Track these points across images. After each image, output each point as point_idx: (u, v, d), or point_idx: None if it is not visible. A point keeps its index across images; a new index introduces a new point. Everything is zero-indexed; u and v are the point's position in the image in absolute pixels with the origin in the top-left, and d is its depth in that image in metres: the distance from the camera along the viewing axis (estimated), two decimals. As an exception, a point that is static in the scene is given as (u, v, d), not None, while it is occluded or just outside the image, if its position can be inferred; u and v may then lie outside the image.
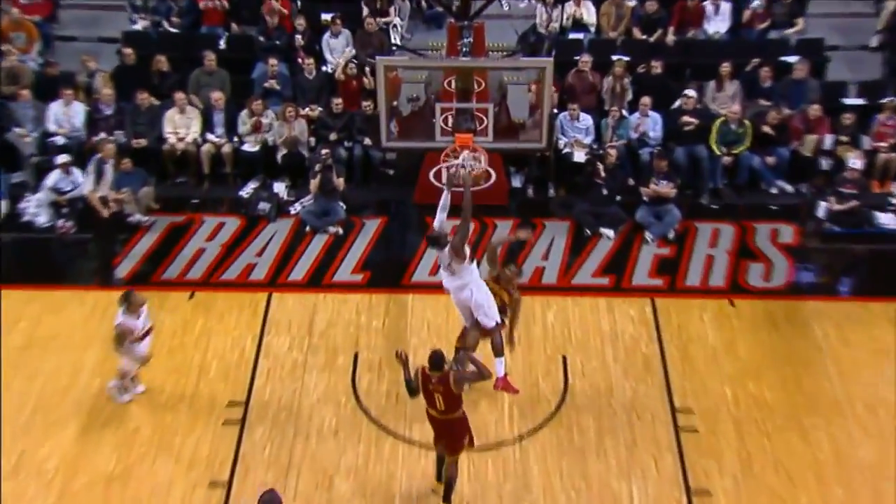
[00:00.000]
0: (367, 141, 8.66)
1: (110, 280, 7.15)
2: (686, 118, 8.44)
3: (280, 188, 8.63)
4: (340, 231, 8.12)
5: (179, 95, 8.68)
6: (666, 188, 7.98)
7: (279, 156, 8.78)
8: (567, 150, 8.70)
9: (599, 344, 6.71)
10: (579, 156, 8.57)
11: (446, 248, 5.70)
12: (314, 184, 8.11)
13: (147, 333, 5.97)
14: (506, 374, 5.75)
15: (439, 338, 6.60)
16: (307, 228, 8.19)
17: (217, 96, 8.80)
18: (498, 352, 5.72)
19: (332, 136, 8.65)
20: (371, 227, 8.19)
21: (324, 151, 8.17)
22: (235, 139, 8.82)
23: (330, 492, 5.50)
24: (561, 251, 7.71)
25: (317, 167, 8.12)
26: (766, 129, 8.18)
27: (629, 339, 6.76)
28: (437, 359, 5.19)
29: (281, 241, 8.00)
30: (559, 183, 8.73)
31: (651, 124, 8.66)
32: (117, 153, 8.20)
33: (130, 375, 6.03)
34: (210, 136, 8.71)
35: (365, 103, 8.58)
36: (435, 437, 5.34)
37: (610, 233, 7.99)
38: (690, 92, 8.49)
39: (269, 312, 7.02)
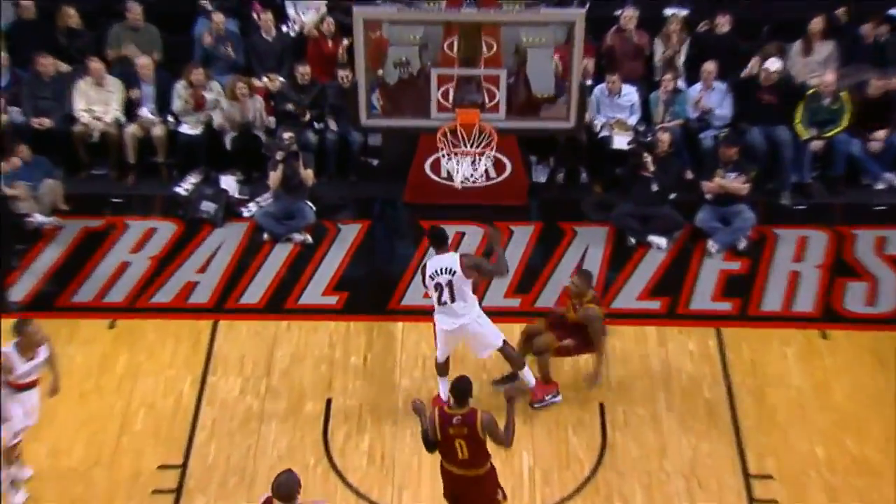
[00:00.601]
0: (344, 120, 8.78)
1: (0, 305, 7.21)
2: (765, 97, 8.46)
3: (229, 183, 8.76)
4: (309, 239, 8.28)
5: (95, 63, 8.69)
6: (735, 182, 8.05)
7: (227, 140, 8.89)
8: (605, 133, 8.80)
9: (648, 387, 6.81)
10: (621, 141, 8.67)
11: (458, 264, 6.19)
12: (274, 177, 8.25)
13: (33, 384, 5.66)
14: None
15: (437, 378, 6.75)
16: (265, 236, 8.28)
17: (144, 62, 8.84)
18: (519, 365, 6.44)
19: (296, 112, 8.79)
20: (349, 233, 8.36)
21: (286, 135, 8.28)
22: (170, 119, 8.91)
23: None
24: (597, 266, 7.87)
25: (278, 156, 8.23)
26: (871, 104, 8.21)
27: (687, 380, 6.87)
28: (462, 389, 5.25)
29: (231, 253, 8.13)
30: (594, 176, 8.88)
31: (716, 99, 8.68)
32: (11, 136, 8.36)
33: (14, 453, 5.66)
34: (138, 114, 8.78)
35: (342, 73, 8.70)
36: (451, 501, 5.32)
37: (662, 242, 8.10)
38: (774, 63, 8.56)
39: (215, 346, 7.18)
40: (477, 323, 6.29)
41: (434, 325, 6.48)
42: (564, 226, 8.39)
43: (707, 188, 8.08)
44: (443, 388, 6.53)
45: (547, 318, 6.82)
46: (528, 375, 6.48)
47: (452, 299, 6.20)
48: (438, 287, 6.21)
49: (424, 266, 6.36)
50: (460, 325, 6.26)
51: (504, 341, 6.42)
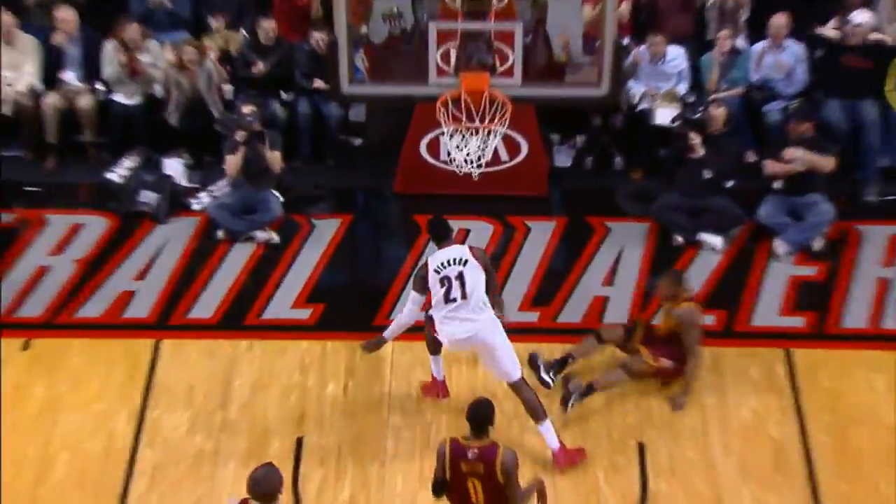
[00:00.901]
0: (319, 88, 8.80)
1: None
2: (850, 60, 8.31)
3: (175, 168, 8.78)
4: (275, 237, 8.32)
5: (4, 18, 8.66)
6: (816, 157, 7.74)
7: (173, 115, 8.89)
8: (645, 105, 8.82)
9: (699, 423, 6.80)
10: (665, 116, 8.69)
11: (469, 254, 6.33)
12: (233, 162, 8.24)
13: None
14: (562, 444, 6.37)
15: (439, 411, 6.85)
16: (220, 234, 8.31)
17: (66, 16, 8.79)
18: (540, 415, 6.36)
19: (258, 76, 8.83)
20: (325, 231, 8.42)
21: (247, 109, 8.28)
22: (100, 87, 8.93)
23: None
24: (635, 271, 7.95)
25: (238, 137, 8.23)
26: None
27: (749, 415, 6.84)
28: (480, 415, 5.34)
29: (177, 256, 8.17)
30: (632, 160, 8.92)
31: (786, 61, 8.62)
32: None
33: None
34: (60, 81, 8.76)
35: (317, 34, 8.74)
36: None
37: (716, 241, 8.10)
38: (861, 16, 8.44)
39: (157, 372, 7.20)
40: (494, 333, 6.28)
41: (429, 337, 6.60)
42: (594, 221, 8.44)
43: (774, 168, 8.02)
44: (436, 367, 6.74)
45: (628, 327, 7.04)
46: (550, 433, 6.39)
47: (464, 295, 6.21)
48: (445, 282, 6.24)
49: (425, 264, 6.36)
50: (474, 333, 6.25)
51: (523, 379, 6.40)
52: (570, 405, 6.73)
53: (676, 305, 6.79)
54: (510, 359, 6.35)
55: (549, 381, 6.87)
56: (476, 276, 6.25)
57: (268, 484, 4.99)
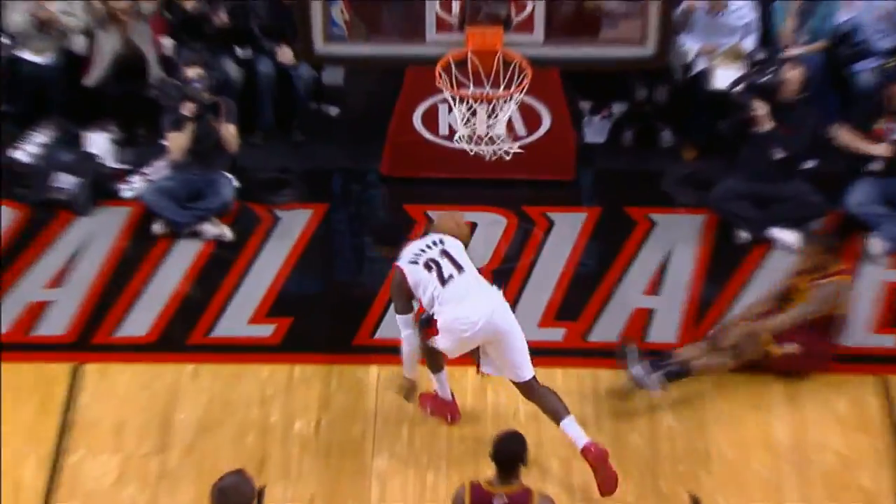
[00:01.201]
0: (286, 50, 8.92)
1: None
2: None
3: (100, 145, 8.87)
4: (227, 234, 8.40)
5: None
6: None
7: (95, 77, 8.94)
8: (701, 66, 8.89)
9: (770, 471, 6.80)
10: (726, 78, 8.77)
11: (443, 237, 6.63)
12: (177, 140, 8.33)
13: None
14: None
15: (437, 452, 6.89)
16: (158, 227, 8.38)
17: None
18: (562, 412, 6.61)
19: (211, 31, 8.97)
20: (293, 224, 8.48)
21: (193, 72, 8.35)
22: (4, 41, 8.96)
23: None
24: (686, 277, 8.02)
25: (185, 110, 8.28)
26: None
27: (834, 459, 6.84)
28: (509, 454, 5.44)
29: (103, 257, 8.21)
30: (684, 135, 9.03)
31: (879, 9, 8.75)
32: None
33: None
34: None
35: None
36: None
37: (791, 238, 8.17)
38: None
39: (78, 405, 7.17)
40: (508, 311, 6.52)
41: (426, 351, 6.69)
42: (635, 213, 8.49)
43: (865, 145, 8.10)
44: (442, 387, 6.91)
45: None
46: (576, 429, 6.54)
47: (459, 267, 6.46)
48: (432, 264, 6.47)
49: (396, 271, 6.52)
50: (491, 312, 6.41)
51: (535, 378, 6.58)
52: (652, 383, 6.97)
53: (823, 278, 6.88)
54: (525, 348, 6.52)
55: (649, 381, 7.04)
56: (462, 252, 6.54)
57: (238, 496, 4.97)
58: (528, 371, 6.56)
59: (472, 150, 7.24)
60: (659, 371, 7.02)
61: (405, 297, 6.51)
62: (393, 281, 6.56)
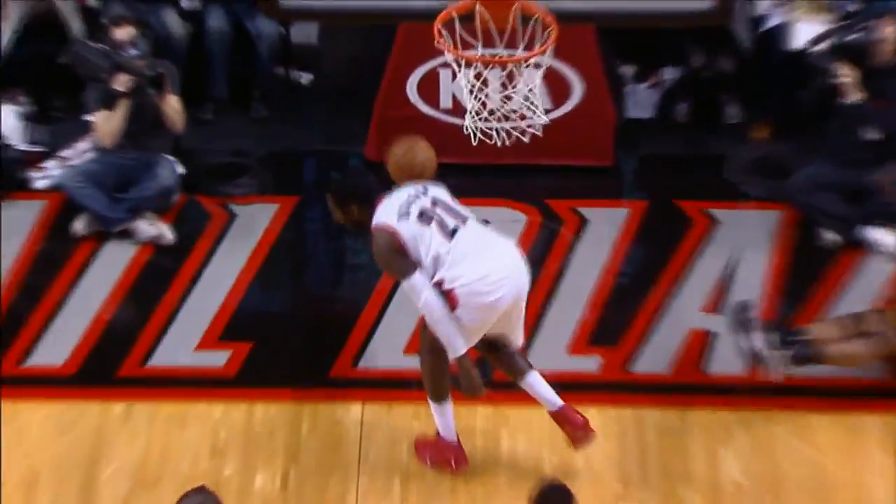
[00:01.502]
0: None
1: None
2: None
3: (7, 121, 8.94)
4: (168, 235, 8.45)
5: None
6: None
7: (3, 40, 9.10)
8: (775, 19, 9.00)
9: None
10: (809, 34, 8.83)
11: (425, 185, 6.75)
12: (107, 122, 8.35)
13: None
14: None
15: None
16: (80, 226, 8.44)
17: None
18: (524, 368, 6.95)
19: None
20: (253, 222, 8.56)
21: (124, 34, 8.34)
22: None
23: None
24: (756, 290, 8.04)
25: (116, 81, 8.28)
26: None
27: None
28: None
29: (9, 263, 8.23)
30: (753, 109, 9.17)
31: None
32: None
33: None
34: None
35: None
36: None
37: (889, 240, 8.28)
38: None
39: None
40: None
41: (432, 369, 6.73)
42: (689, 207, 8.56)
43: None
44: (444, 421, 6.89)
45: None
46: (544, 385, 6.88)
47: (462, 218, 6.60)
48: (426, 217, 6.52)
49: (385, 231, 6.51)
50: (515, 264, 6.60)
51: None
52: (775, 362, 7.15)
53: None
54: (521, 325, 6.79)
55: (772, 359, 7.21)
56: (452, 201, 6.66)
57: None
58: (522, 336, 6.84)
59: (479, 131, 7.10)
60: (786, 348, 7.10)
61: (403, 256, 6.47)
62: (379, 248, 6.52)
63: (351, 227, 6.72)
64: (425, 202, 6.52)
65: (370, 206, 6.56)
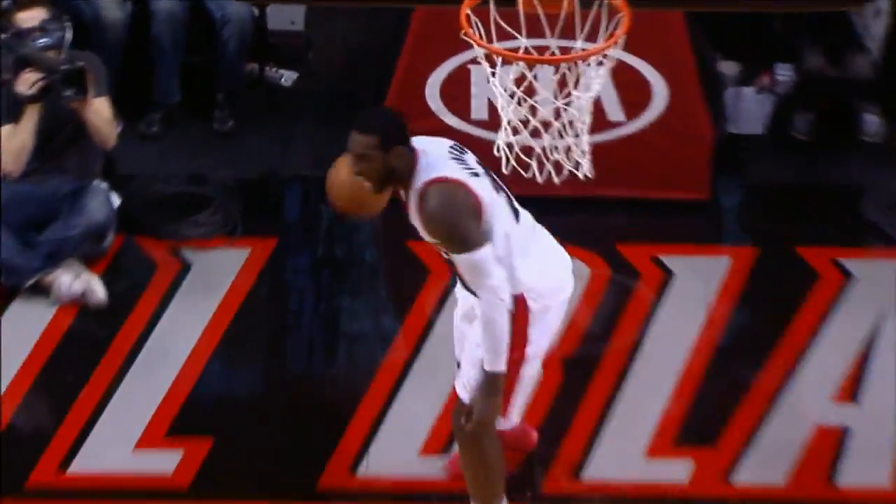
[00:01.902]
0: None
1: None
2: None
3: None
4: (99, 291, 8.55)
5: None
6: None
7: None
8: None
9: None
10: None
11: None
12: (14, 141, 8.48)
13: None
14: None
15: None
16: None
17: None
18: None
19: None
20: (215, 274, 8.80)
21: (30, 17, 8.39)
22: None
23: None
24: None
25: (21, 81, 8.43)
26: None
27: None
28: None
29: None
30: None
31: None
32: None
33: None
34: None
35: None
36: None
37: None
38: None
39: None
40: None
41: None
42: (813, 255, 8.63)
43: None
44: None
45: None
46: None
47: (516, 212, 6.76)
48: (496, 183, 6.70)
49: (459, 185, 6.57)
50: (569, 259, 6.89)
51: None
52: None
53: None
54: None
55: None
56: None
57: None
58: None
59: (516, 155, 7.07)
60: None
61: (478, 221, 6.54)
62: (450, 206, 6.53)
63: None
64: (478, 165, 6.69)
65: (411, 162, 6.57)
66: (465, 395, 6.70)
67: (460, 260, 6.49)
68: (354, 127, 6.55)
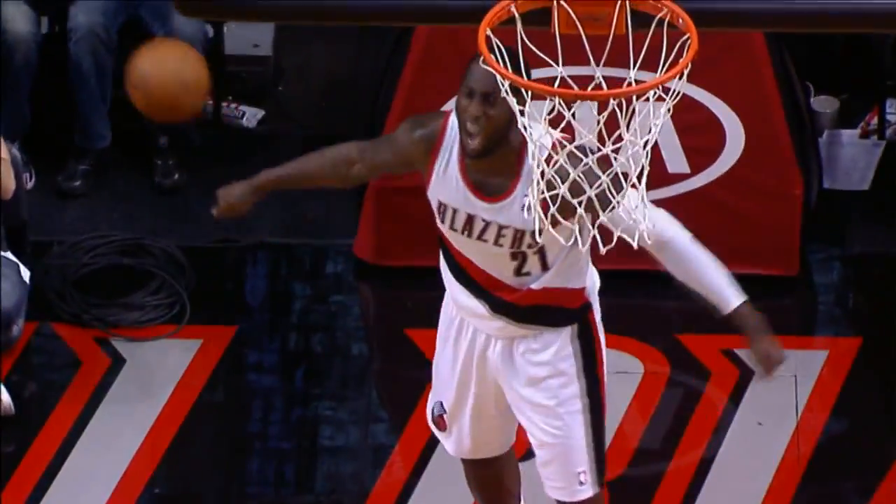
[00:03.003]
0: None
1: None
2: None
3: None
4: (4, 398, 8.58)
5: None
6: None
7: None
8: None
9: None
10: None
11: None
12: None
13: None
14: None
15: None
16: None
17: None
18: None
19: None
20: (158, 370, 8.86)
21: None
22: None
23: None
24: None
25: None
26: None
27: None
28: None
29: None
30: None
31: None
32: None
33: None
34: None
35: None
36: None
37: None
38: None
39: None
40: None
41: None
42: None
43: None
44: None
45: None
46: None
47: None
48: None
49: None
50: None
51: None
52: None
53: None
54: None
55: None
56: None
57: None
58: None
59: (552, 217, 6.95)
60: None
61: None
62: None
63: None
64: None
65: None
66: (583, 490, 6.91)
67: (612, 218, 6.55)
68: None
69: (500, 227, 7.02)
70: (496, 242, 7.02)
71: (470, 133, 6.88)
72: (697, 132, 8.40)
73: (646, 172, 6.70)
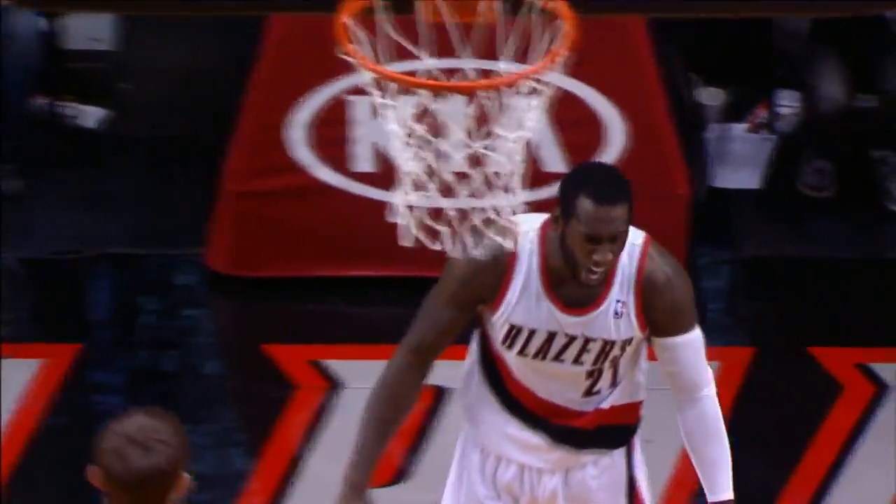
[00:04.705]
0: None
1: None
2: None
3: None
4: None
5: None
6: None
7: None
8: None
9: None
10: None
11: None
12: None
13: None
14: None
15: None
16: None
17: None
18: None
19: None
20: None
21: None
22: None
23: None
24: None
25: None
26: None
27: None
28: None
29: None
30: None
31: None
32: None
33: None
34: None
35: None
36: None
37: None
38: None
39: None
40: None
41: None
42: (833, 359, 8.59)
43: None
44: None
45: None
46: None
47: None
48: None
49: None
50: None
51: None
52: None
53: None
54: None
55: None
56: None
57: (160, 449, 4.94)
58: None
59: (421, 221, 6.89)
60: None
61: None
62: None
63: None
64: None
65: None
66: None
67: (684, 344, 6.76)
68: (603, 200, 6.64)
69: (587, 341, 6.93)
70: (576, 360, 6.97)
71: (593, 271, 6.72)
72: (575, 128, 8.45)
73: (520, 172, 6.78)
